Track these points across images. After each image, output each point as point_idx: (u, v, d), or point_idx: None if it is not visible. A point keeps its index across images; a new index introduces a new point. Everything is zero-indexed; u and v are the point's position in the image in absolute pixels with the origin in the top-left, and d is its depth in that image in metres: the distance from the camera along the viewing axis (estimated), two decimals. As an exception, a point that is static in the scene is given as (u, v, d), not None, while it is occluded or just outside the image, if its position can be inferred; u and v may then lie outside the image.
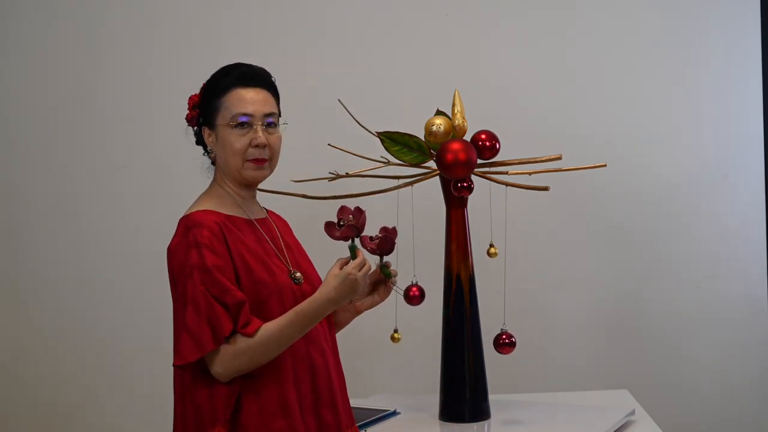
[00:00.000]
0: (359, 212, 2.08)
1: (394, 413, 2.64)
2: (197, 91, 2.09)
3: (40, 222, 3.40)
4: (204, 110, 2.06)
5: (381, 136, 2.51)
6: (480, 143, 2.49)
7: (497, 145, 2.50)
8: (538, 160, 2.55)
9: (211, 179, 2.11)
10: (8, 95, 3.40)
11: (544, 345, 3.38)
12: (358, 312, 2.22)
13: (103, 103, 3.38)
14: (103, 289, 3.40)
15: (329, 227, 2.07)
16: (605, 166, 2.65)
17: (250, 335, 1.90)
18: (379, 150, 2.55)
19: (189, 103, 2.08)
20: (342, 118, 2.62)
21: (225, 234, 1.95)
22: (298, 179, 2.62)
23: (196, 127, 2.10)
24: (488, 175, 2.56)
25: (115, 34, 3.39)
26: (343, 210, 2.09)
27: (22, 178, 3.40)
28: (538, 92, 3.41)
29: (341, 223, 2.07)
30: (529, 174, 2.57)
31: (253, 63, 2.09)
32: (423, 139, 2.51)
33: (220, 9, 3.38)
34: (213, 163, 2.11)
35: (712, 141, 3.43)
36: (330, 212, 3.19)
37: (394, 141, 2.51)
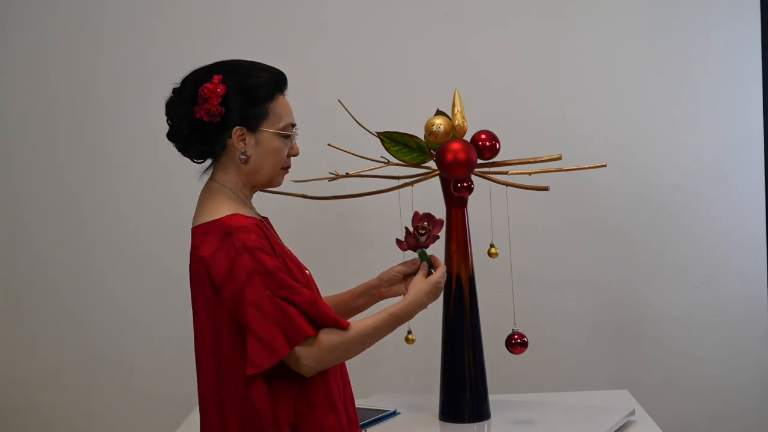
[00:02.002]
0: (431, 218, 2.17)
1: (394, 413, 2.65)
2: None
3: (38, 221, 3.40)
4: (240, 111, 1.97)
5: (381, 136, 2.51)
6: (480, 143, 2.49)
7: (497, 145, 2.51)
8: (538, 160, 2.55)
9: (210, 181, 2.03)
10: (4, 94, 3.40)
11: (544, 345, 3.38)
12: (382, 298, 2.25)
13: (101, 102, 3.38)
14: (102, 289, 3.40)
15: (408, 237, 2.16)
16: (605, 166, 2.66)
17: (346, 328, 1.93)
18: (379, 150, 2.55)
19: (209, 94, 1.94)
20: (342, 118, 2.63)
21: (267, 235, 1.95)
22: (298, 179, 2.61)
23: (217, 120, 1.96)
24: (488, 175, 2.56)
25: (115, 32, 3.39)
26: (418, 217, 2.17)
27: (18, 177, 3.41)
28: (538, 92, 3.40)
29: (421, 232, 2.15)
30: (529, 174, 2.57)
31: (256, 61, 2.07)
32: (423, 139, 2.51)
33: (219, 8, 3.38)
34: (244, 163, 2.00)
35: (712, 141, 3.42)
36: (330, 212, 3.20)
37: (394, 141, 2.51)
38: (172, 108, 2.01)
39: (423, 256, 2.15)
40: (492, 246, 2.51)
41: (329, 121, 2.89)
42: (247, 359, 1.86)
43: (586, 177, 3.06)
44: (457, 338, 2.54)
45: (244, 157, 1.99)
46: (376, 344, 2.00)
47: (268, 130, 2.00)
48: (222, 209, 1.95)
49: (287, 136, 2.03)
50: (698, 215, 3.43)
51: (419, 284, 2.08)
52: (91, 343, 3.40)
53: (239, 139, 1.98)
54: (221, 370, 1.93)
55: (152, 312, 3.39)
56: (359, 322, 1.98)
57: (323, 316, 1.92)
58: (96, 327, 3.40)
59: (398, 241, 2.18)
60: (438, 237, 2.18)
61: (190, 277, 1.98)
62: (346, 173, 2.60)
